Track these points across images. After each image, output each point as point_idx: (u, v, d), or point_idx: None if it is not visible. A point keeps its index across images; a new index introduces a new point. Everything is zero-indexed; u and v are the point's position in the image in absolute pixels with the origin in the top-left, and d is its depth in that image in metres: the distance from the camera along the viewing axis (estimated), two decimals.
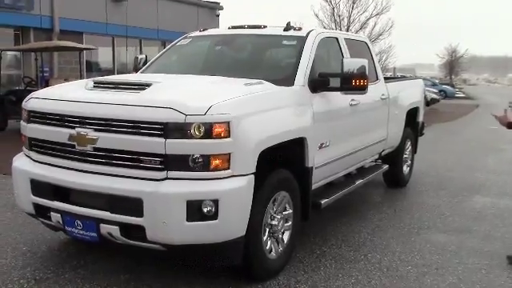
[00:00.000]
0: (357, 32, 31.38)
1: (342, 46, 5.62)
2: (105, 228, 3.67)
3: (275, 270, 4.22)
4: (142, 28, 19.37)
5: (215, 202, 3.50)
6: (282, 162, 4.30)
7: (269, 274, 4.16)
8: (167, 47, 5.81)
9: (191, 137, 3.47)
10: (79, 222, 3.79)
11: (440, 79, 54.95)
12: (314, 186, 4.87)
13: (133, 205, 3.52)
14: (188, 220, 3.48)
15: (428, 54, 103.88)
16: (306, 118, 4.47)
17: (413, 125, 7.90)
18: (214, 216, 3.51)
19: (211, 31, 5.75)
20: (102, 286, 4.01)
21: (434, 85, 30.01)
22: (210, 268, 4.22)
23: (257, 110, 3.84)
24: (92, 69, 19.21)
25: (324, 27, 32.88)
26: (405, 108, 7.29)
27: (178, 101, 3.56)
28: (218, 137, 3.51)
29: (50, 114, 3.96)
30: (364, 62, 4.76)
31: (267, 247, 4.10)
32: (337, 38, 5.62)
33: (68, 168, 3.87)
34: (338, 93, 4.88)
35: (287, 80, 4.59)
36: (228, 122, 3.53)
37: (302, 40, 5.03)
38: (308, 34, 5.13)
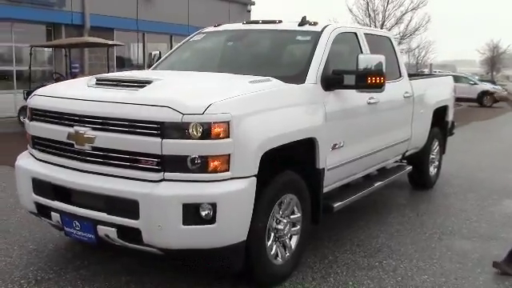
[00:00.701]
0: (392, 27, 30.76)
1: (361, 42, 5.36)
2: (102, 230, 3.57)
3: (281, 275, 4.04)
4: (172, 24, 19.35)
5: (213, 206, 3.34)
6: (290, 164, 4.11)
7: (274, 280, 3.98)
8: (181, 43, 5.68)
9: (189, 137, 3.32)
10: (77, 223, 3.70)
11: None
12: (326, 189, 4.66)
13: (129, 207, 3.39)
14: (184, 224, 3.33)
15: (469, 49, 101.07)
16: (317, 117, 4.25)
17: (441, 124, 7.55)
18: (211, 220, 3.35)
19: (225, 26, 5.59)
20: (102, 287, 3.91)
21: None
22: (211, 272, 4.06)
23: (260, 109, 3.65)
24: (124, 64, 19.38)
25: (358, 22, 32.35)
26: (431, 107, 6.96)
27: (175, 99, 3.42)
28: (217, 137, 3.35)
29: (51, 111, 3.88)
30: (381, 58, 4.51)
31: (272, 252, 3.92)
32: (356, 34, 5.37)
33: (67, 167, 3.78)
34: (354, 91, 4.63)
35: (298, 77, 4.38)
36: (228, 122, 3.36)
37: (316, 35, 4.81)
38: (323, 29, 4.90)
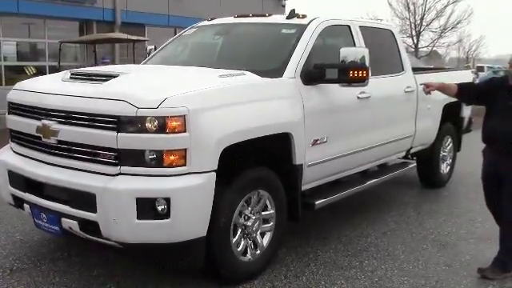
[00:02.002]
0: (432, 21, 29.91)
1: (354, 36, 5.20)
2: (66, 222, 3.61)
3: (250, 273, 3.98)
4: (203, 20, 19.44)
5: (167, 201, 3.31)
6: (262, 159, 4.04)
7: (241, 277, 3.92)
8: (174, 37, 5.68)
9: (144, 131, 3.31)
10: (44, 215, 3.75)
11: None
12: (309, 185, 4.57)
13: (88, 200, 3.41)
14: (139, 218, 3.32)
15: None
16: (293, 111, 4.15)
17: (454, 120, 7.26)
18: (166, 215, 3.33)
19: (217, 20, 5.54)
20: (72, 280, 3.96)
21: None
22: (179, 268, 4.04)
23: (223, 103, 3.59)
24: None
25: (397, 16, 31.64)
26: (441, 102, 6.66)
27: (131, 93, 3.41)
28: (173, 131, 3.31)
29: (23, 105, 3.95)
30: (364, 51, 4.36)
31: (239, 249, 3.86)
32: (349, 26, 5.20)
33: (37, 160, 3.85)
34: (340, 85, 4.50)
35: (277, 71, 4.28)
36: (184, 116, 3.33)
37: (301, 28, 4.69)
38: (310, 22, 4.77)
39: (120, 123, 3.33)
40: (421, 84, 5.05)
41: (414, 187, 7.16)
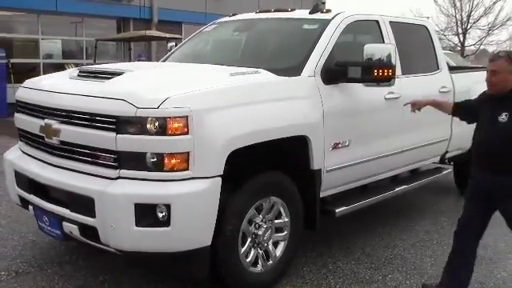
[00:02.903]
0: (479, 18, 28.79)
1: (384, 31, 4.85)
2: (67, 226, 3.45)
3: (260, 285, 3.72)
4: None
5: (167, 207, 3.09)
6: (276, 164, 3.77)
7: None
8: (193, 34, 5.47)
9: (144, 132, 3.10)
10: (46, 218, 3.61)
11: None
12: (329, 192, 4.27)
13: (87, 204, 3.23)
14: (137, 225, 3.11)
15: None
16: (311, 112, 3.86)
17: None
18: (166, 223, 3.11)
19: (238, 16, 5.30)
20: (75, 285, 3.81)
21: None
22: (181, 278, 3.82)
23: (231, 104, 3.34)
24: None
25: (443, 13, 30.62)
26: None
27: (132, 92, 3.21)
28: (174, 133, 3.09)
29: (28, 103, 3.82)
30: (389, 48, 4.03)
31: (248, 259, 3.60)
32: (377, 22, 4.86)
33: (40, 160, 3.71)
34: (363, 85, 4.18)
35: (295, 69, 4.00)
36: (186, 117, 3.09)
37: (324, 24, 4.38)
38: (334, 16, 4.46)
39: (119, 124, 3.13)
40: (405, 104, 4.37)
41: (451, 194, 6.71)
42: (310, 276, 4.07)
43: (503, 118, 3.33)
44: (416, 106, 4.23)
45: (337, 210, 4.24)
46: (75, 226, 3.38)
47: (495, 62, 3.38)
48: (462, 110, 3.91)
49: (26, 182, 3.77)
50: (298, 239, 3.98)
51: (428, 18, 41.36)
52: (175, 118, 3.08)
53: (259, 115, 3.48)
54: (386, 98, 4.60)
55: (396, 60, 4.68)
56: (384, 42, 4.75)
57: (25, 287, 3.76)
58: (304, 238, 4.39)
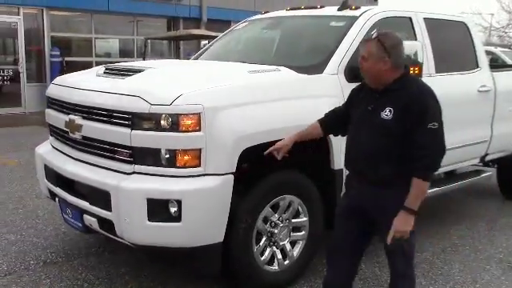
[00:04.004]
0: None
1: (416, 29, 4.71)
2: (87, 219, 3.56)
3: (276, 284, 3.69)
4: None
5: (178, 203, 3.13)
6: (295, 163, 3.73)
7: None
8: (224, 32, 5.50)
9: (158, 129, 3.15)
10: (69, 210, 3.74)
11: None
12: None
13: (104, 198, 3.32)
14: (150, 220, 3.17)
15: None
16: None
17: None
18: (177, 218, 3.15)
19: (269, 14, 5.29)
20: (97, 276, 3.92)
21: None
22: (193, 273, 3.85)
23: (245, 101, 3.34)
24: None
25: (505, 10, 29.37)
26: None
27: (147, 89, 3.27)
28: (187, 130, 3.12)
29: (56, 99, 3.96)
30: (416, 45, 3.92)
31: (263, 258, 3.59)
32: (410, 19, 4.72)
33: (66, 154, 3.84)
34: None
35: (318, 67, 3.95)
36: (199, 114, 3.12)
37: (351, 21, 4.31)
38: (362, 13, 4.38)
39: (134, 120, 3.20)
40: (265, 154, 3.20)
41: (494, 199, 6.42)
42: None
43: (386, 114, 2.70)
44: (281, 151, 3.14)
45: None
46: (94, 219, 3.48)
47: (365, 44, 2.81)
48: (330, 123, 3.14)
49: (53, 175, 3.92)
50: (318, 239, 3.93)
51: (493, 15, 39.69)
52: (187, 114, 3.11)
53: (276, 113, 3.46)
54: None
55: (427, 58, 4.59)
56: (417, 40, 4.61)
57: (50, 276, 3.91)
58: (328, 238, 4.33)
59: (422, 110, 2.64)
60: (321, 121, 3.16)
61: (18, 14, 13.57)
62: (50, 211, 5.36)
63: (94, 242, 4.56)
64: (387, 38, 2.74)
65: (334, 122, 3.13)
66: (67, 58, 14.32)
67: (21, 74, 13.72)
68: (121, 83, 3.49)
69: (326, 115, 3.17)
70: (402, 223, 2.68)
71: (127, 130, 3.21)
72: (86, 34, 15.33)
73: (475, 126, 5.27)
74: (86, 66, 14.66)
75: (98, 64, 15.27)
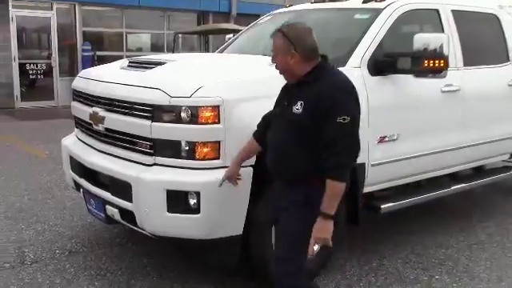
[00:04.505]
0: None
1: (444, 21, 4.61)
2: (109, 210, 3.61)
3: None
4: None
5: (197, 195, 3.15)
6: None
7: None
8: (249, 25, 5.49)
9: (178, 121, 3.17)
10: (93, 201, 3.80)
11: None
12: (376, 187, 4.13)
13: (125, 189, 3.37)
14: (169, 211, 3.20)
15: None
16: None
17: None
18: (196, 210, 3.17)
19: (294, 7, 5.25)
20: (120, 267, 3.98)
21: None
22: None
23: (265, 94, 3.28)
24: None
25: None
26: None
27: (168, 81, 3.30)
28: (206, 122, 3.14)
29: (81, 92, 4.03)
30: (442, 37, 3.82)
31: None
32: (437, 10, 4.62)
33: (90, 146, 3.90)
34: (415, 76, 4.00)
35: (340, 60, 3.88)
36: (218, 106, 3.13)
37: (376, 13, 4.23)
38: (387, 5, 4.30)
39: (154, 112, 3.23)
40: (220, 185, 3.08)
41: None
42: (351, 271, 3.98)
43: (297, 108, 2.56)
44: (233, 178, 3.06)
45: (382, 206, 4.10)
46: (116, 210, 3.53)
47: (273, 39, 2.68)
48: (263, 134, 2.90)
49: (78, 167, 3.99)
50: (340, 234, 3.89)
51: None
52: (207, 107, 3.13)
53: None
54: (442, 91, 4.37)
55: (454, 51, 4.49)
56: (444, 32, 4.52)
57: (74, 265, 3.99)
58: (352, 233, 4.31)
59: (330, 103, 2.48)
60: (255, 135, 2.99)
61: (51, 10, 13.86)
62: (77, 202, 5.46)
63: (118, 233, 4.63)
64: (291, 29, 2.64)
65: (265, 130, 2.89)
66: (98, 53, 14.57)
67: (53, 68, 14.03)
68: (142, 76, 3.53)
69: (258, 126, 2.99)
70: (319, 230, 2.51)
71: (148, 122, 3.24)
72: (117, 29, 15.54)
73: (504, 122, 5.13)
74: (117, 60, 15.00)
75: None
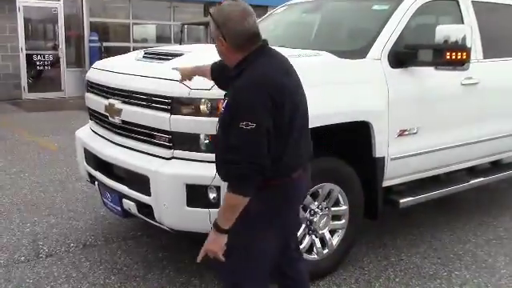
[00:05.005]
0: None
1: (464, 12, 4.51)
2: (126, 203, 3.56)
3: (315, 273, 3.62)
4: None
5: (217, 189, 3.09)
6: (335, 150, 3.65)
7: None
8: (263, 16, 5.41)
9: (197, 114, 3.11)
10: (108, 194, 3.75)
11: None
12: (394, 181, 4.06)
13: (143, 182, 3.31)
14: (188, 205, 3.15)
15: None
16: (374, 97, 3.68)
17: None
18: (216, 204, 3.11)
19: None
20: (135, 261, 3.94)
21: None
22: None
23: None
24: None
25: None
26: None
27: None
28: None
29: (96, 83, 3.97)
30: (464, 29, 3.74)
31: (302, 246, 3.51)
32: (457, 2, 4.52)
33: (105, 138, 3.85)
34: (435, 69, 3.92)
35: (360, 52, 3.82)
36: None
37: (395, 4, 4.14)
38: None
39: (173, 104, 3.16)
40: (173, 68, 3.13)
41: None
42: (369, 267, 3.93)
43: (223, 107, 2.33)
44: (185, 73, 3.00)
45: (401, 201, 4.04)
46: (133, 203, 3.48)
47: None
48: (218, 72, 2.76)
49: (93, 159, 3.94)
50: (358, 228, 3.84)
51: None
52: None
53: (316, 99, 3.31)
54: (462, 84, 4.29)
55: (474, 43, 4.40)
56: (463, 23, 4.43)
57: (89, 258, 3.95)
58: (368, 228, 4.26)
59: (234, 104, 2.18)
60: (214, 64, 2.81)
61: (59, 0, 13.77)
62: (89, 195, 5.43)
63: (132, 226, 4.59)
64: (218, 11, 2.26)
65: (221, 71, 2.70)
66: (105, 44, 14.49)
67: (61, 59, 13.96)
68: (160, 67, 3.46)
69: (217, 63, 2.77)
70: (209, 241, 2.32)
71: (167, 115, 3.18)
72: (123, 20, 15.44)
73: None
74: (124, 51, 14.87)
75: (135, 49, 15.40)
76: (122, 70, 3.72)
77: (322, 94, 3.39)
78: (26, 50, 13.39)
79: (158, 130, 3.29)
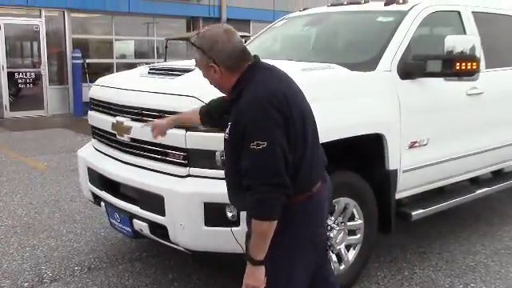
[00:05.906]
0: None
1: (466, 23, 4.54)
2: (137, 224, 3.44)
3: None
4: None
5: None
6: (348, 163, 3.60)
7: None
8: (263, 30, 5.37)
9: (213, 130, 3.02)
10: (117, 215, 3.63)
11: None
12: (405, 193, 4.03)
13: (157, 202, 3.21)
14: (207, 224, 3.06)
15: None
16: (387, 109, 3.66)
17: None
18: (236, 222, 3.03)
19: (309, 11, 5.14)
20: (145, 282, 3.81)
21: None
22: None
23: None
24: None
25: None
26: None
27: (202, 90, 3.11)
28: None
29: (101, 101, 3.87)
30: (473, 39, 3.75)
31: None
32: (459, 12, 4.55)
33: (112, 157, 3.73)
34: (443, 80, 3.93)
35: (370, 64, 3.80)
36: None
37: (400, 16, 4.14)
38: (411, 8, 4.21)
39: None
40: (143, 126, 3.09)
41: None
42: (384, 282, 3.86)
43: (227, 132, 2.22)
44: (158, 129, 2.84)
45: (413, 213, 4.00)
46: (145, 224, 3.37)
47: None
48: (208, 115, 2.72)
49: (98, 179, 3.81)
50: (373, 243, 3.79)
51: None
52: None
53: (330, 112, 3.29)
54: (468, 94, 4.30)
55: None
56: (466, 34, 4.45)
57: (96, 282, 3.81)
58: (374, 243, 4.19)
59: (241, 126, 2.08)
60: (202, 108, 2.77)
61: (40, 17, 13.57)
62: (87, 215, 5.28)
63: (136, 247, 4.46)
64: (201, 38, 2.19)
65: (212, 112, 2.68)
66: (88, 60, 14.29)
67: (43, 77, 13.70)
68: (173, 83, 3.38)
69: (211, 101, 2.74)
70: (247, 276, 2.17)
71: (182, 132, 3.09)
72: (106, 36, 15.29)
73: None
74: (107, 67, 14.74)
75: (118, 65, 15.29)
76: (129, 86, 3.63)
77: (336, 107, 3.36)
78: (8, 67, 13.12)
79: (172, 148, 3.20)
